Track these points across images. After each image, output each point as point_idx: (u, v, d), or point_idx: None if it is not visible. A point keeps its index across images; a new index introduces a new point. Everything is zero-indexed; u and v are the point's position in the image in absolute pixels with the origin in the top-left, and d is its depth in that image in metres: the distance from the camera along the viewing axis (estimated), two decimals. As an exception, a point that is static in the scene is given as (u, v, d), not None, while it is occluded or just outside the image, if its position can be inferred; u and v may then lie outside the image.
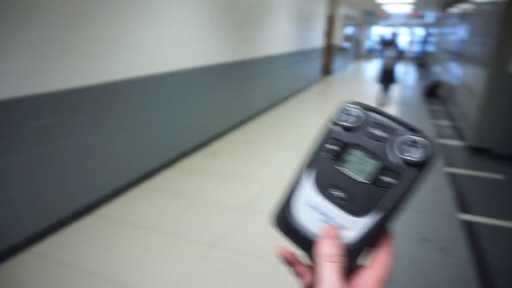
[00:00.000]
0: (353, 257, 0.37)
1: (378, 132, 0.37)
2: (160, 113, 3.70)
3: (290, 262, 0.42)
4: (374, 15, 19.54)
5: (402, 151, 0.36)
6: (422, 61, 16.39)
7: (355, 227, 0.37)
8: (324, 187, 0.39)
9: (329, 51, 12.09)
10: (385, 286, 0.36)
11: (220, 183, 3.61)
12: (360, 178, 0.37)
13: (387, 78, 6.93)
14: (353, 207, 0.37)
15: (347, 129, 0.39)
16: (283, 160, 4.25)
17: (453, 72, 7.50)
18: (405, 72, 14.43)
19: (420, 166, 0.35)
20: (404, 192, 0.35)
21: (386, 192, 0.36)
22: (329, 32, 11.54)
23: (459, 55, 7.11)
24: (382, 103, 7.35)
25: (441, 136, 5.54)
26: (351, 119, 0.39)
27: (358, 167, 0.37)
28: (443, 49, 10.27)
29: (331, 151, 0.39)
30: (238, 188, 3.50)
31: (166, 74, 3.69)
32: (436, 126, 6.09)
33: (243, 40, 5.38)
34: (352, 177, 0.37)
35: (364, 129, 0.38)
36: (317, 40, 10.08)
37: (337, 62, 13.32)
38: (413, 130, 0.36)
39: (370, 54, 22.28)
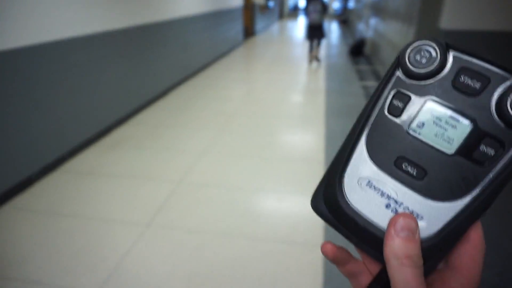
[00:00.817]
0: (430, 259, 0.26)
1: (469, 81, 0.25)
2: (29, 102, 2.72)
3: (341, 260, 0.33)
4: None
5: (508, 107, 0.23)
6: (344, 17, 16.34)
7: (434, 216, 0.26)
8: (388, 160, 0.27)
9: (250, 11, 11.28)
10: None
11: (117, 188, 2.82)
12: (444, 148, 0.26)
13: (315, 33, 6.75)
14: (432, 188, 0.26)
15: (422, 77, 0.26)
16: (201, 145, 3.55)
17: (376, 29, 7.25)
18: (329, 30, 14.23)
19: None
20: (509, 168, 0.24)
21: (481, 168, 0.25)
22: (248, -10, 10.67)
23: (380, 10, 6.82)
24: (314, 59, 7.18)
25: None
26: (429, 62, 0.26)
27: (439, 133, 0.26)
28: (363, 4, 10.05)
29: (398, 109, 0.27)
30: (141, 193, 2.76)
31: (32, 48, 2.68)
32: (364, 88, 5.80)
33: (141, 0, 4.38)
34: (431, 146, 0.26)
35: (448, 77, 0.26)
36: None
37: (260, 23, 12.58)
38: None
39: (294, 12, 21.79)
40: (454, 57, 0.26)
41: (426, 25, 4.02)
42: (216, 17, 7.45)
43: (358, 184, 0.28)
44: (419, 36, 3.85)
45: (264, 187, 2.84)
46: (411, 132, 0.27)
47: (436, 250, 0.26)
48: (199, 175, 3.00)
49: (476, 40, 3.75)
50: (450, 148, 0.25)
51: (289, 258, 2.08)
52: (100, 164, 3.19)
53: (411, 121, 0.27)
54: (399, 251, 0.25)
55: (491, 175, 0.24)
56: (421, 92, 0.26)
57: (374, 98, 0.28)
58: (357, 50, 8.27)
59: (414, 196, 0.26)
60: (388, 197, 0.27)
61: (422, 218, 0.26)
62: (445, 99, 0.26)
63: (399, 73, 0.27)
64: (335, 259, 0.33)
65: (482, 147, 0.24)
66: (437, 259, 0.27)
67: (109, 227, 2.36)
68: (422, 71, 0.26)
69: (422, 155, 0.26)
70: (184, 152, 3.43)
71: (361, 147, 0.28)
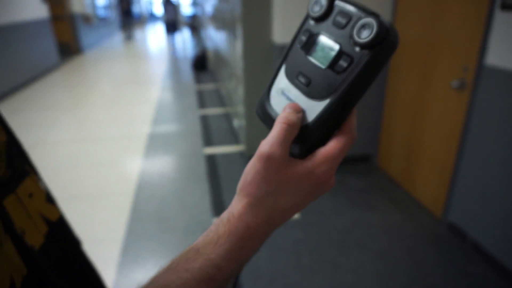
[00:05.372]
0: (308, 137, 0.38)
1: (340, 19, 0.37)
2: None
3: None
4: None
5: (355, 34, 0.35)
6: (193, 24, 15.19)
7: (313, 110, 0.38)
8: (293, 75, 0.40)
9: (69, 23, 9.08)
10: (332, 165, 0.36)
11: None
12: (321, 65, 0.38)
13: (172, 28, 9.71)
14: (312, 91, 0.38)
15: (318, 19, 0.39)
16: None
17: (215, 39, 6.07)
18: (182, 40, 12.90)
19: (369, 47, 0.34)
20: (357, 75, 0.35)
21: (340, 76, 0.36)
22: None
23: (215, 18, 5.63)
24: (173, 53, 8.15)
25: (214, 142, 3.95)
26: (318, 9, 0.39)
27: (322, 55, 0.38)
28: (203, 10, 8.89)
29: (301, 41, 0.40)
30: None
31: None
32: (203, 119, 4.50)
33: None
34: (315, 64, 0.38)
35: (331, 18, 0.38)
36: (29, 9, 6.81)
37: (90, 36, 10.39)
38: (369, 13, 0.35)
39: (140, 20, 19.71)
40: (336, 5, 0.37)
41: (257, 40, 2.89)
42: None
43: (277, 93, 0.41)
44: (248, 50, 2.62)
45: None
46: (308, 56, 0.39)
47: (311, 132, 0.37)
48: None
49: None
50: (325, 65, 0.37)
51: None
52: None
53: (309, 49, 0.39)
54: (282, 115, 0.37)
55: (344, 80, 0.35)
56: (317, 30, 0.38)
57: (294, 36, 0.41)
58: (200, 63, 7.04)
59: (302, 97, 0.38)
60: (289, 99, 0.39)
61: (304, 111, 0.38)
62: (329, 33, 0.37)
63: (307, 18, 0.40)
64: None
65: (341, 62, 0.35)
66: (312, 142, 0.37)
67: None
68: (316, 15, 0.38)
69: (311, 70, 0.38)
70: None
71: (283, 69, 0.41)
